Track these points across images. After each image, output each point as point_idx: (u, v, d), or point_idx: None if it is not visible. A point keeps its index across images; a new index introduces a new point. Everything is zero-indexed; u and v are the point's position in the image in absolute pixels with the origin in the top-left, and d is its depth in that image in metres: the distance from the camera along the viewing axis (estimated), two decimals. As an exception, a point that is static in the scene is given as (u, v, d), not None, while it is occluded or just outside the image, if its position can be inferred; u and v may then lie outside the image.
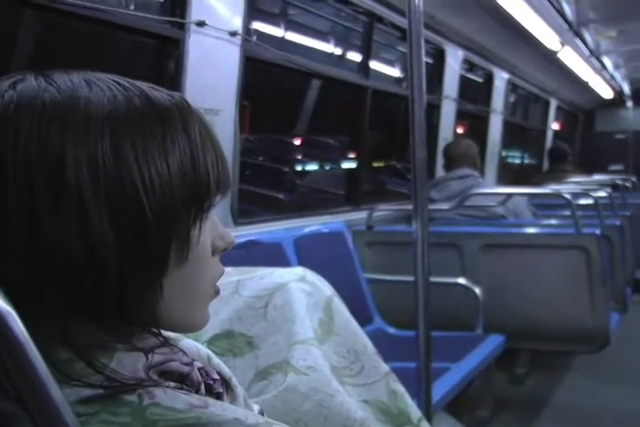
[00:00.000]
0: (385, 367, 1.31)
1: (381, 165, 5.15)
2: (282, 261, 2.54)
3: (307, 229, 3.00)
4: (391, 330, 3.07)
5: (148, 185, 0.59)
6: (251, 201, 3.53)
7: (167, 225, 0.61)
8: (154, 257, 0.61)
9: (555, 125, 8.17)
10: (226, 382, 0.72)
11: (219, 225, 0.69)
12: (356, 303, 2.76)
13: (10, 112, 0.59)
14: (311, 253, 2.79)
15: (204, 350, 0.73)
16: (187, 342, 0.70)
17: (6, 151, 0.57)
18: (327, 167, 5.11)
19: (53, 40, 2.24)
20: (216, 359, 0.74)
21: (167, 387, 0.60)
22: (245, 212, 2.90)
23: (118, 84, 0.63)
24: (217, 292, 0.70)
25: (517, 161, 8.18)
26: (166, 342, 0.64)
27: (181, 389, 0.61)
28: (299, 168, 4.98)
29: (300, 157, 4.89)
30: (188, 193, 0.62)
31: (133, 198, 0.59)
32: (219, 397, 0.68)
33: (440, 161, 4.49)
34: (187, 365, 0.65)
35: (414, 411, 1.28)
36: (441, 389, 2.31)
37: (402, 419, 1.24)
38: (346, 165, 4.26)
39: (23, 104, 0.59)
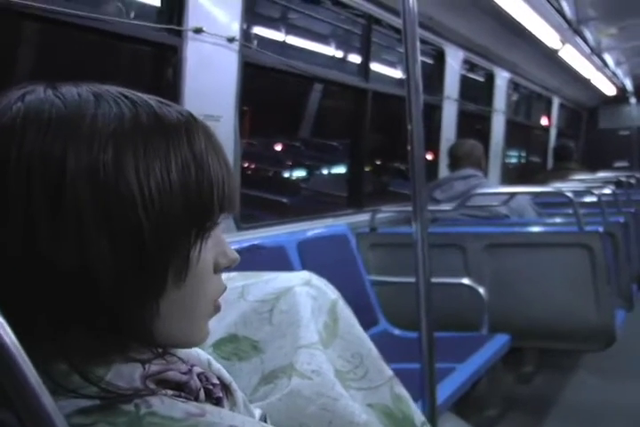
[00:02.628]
0: (389, 371, 1.31)
1: (384, 166, 5.15)
2: (285, 265, 2.55)
3: (310, 233, 3.00)
4: (397, 331, 3.07)
5: (147, 201, 0.59)
6: (252, 205, 3.53)
7: (166, 243, 0.60)
8: (151, 275, 0.60)
9: (544, 121, 8.11)
10: (225, 387, 0.72)
11: (223, 242, 0.67)
12: (361, 306, 2.77)
13: (16, 125, 0.59)
14: (315, 257, 2.79)
15: (205, 356, 0.73)
16: None
17: (9, 162, 0.58)
18: (329, 170, 5.11)
19: (52, 50, 2.26)
20: (216, 364, 0.74)
21: (164, 395, 0.60)
22: (248, 216, 2.90)
23: (127, 98, 0.63)
24: (217, 308, 0.69)
25: (521, 160, 8.17)
26: (164, 353, 0.64)
27: (179, 396, 0.61)
28: (302, 172, 4.99)
29: (302, 161, 4.90)
30: (189, 210, 0.61)
31: (131, 214, 0.58)
32: (218, 401, 0.68)
33: (444, 161, 4.49)
34: (185, 373, 0.65)
35: (418, 415, 1.28)
36: (447, 389, 2.31)
37: (406, 423, 1.24)
38: (347, 167, 4.26)
39: (29, 118, 0.59)
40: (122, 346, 0.61)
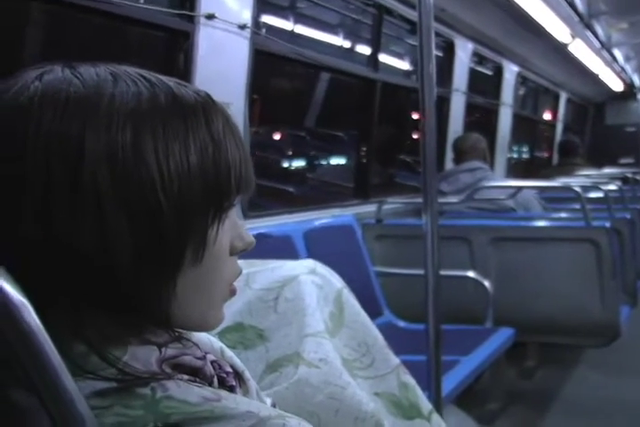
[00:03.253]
0: (395, 360, 1.31)
1: (390, 157, 5.14)
2: (291, 254, 2.55)
3: (316, 223, 3.00)
4: (401, 323, 3.07)
5: (166, 181, 0.58)
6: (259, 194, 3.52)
7: (184, 222, 0.60)
8: (169, 255, 0.60)
9: (547, 115, 8.08)
10: (238, 376, 0.72)
11: (239, 225, 0.68)
12: (366, 297, 2.76)
13: (34, 104, 0.58)
14: (321, 247, 2.79)
15: (218, 344, 0.73)
16: (200, 334, 0.70)
17: (27, 143, 0.57)
18: (336, 160, 5.10)
19: (63, 33, 2.25)
20: (229, 352, 0.74)
21: (180, 380, 0.59)
22: (255, 205, 2.90)
23: (145, 78, 0.62)
24: (233, 292, 0.69)
25: (527, 155, 8.15)
26: (180, 337, 0.64)
27: (194, 382, 0.61)
28: (308, 162, 4.98)
29: (309, 151, 4.89)
30: (207, 191, 0.61)
31: (151, 194, 0.58)
32: (232, 390, 0.68)
33: (450, 154, 4.48)
34: (200, 359, 0.65)
35: (425, 404, 1.28)
36: (451, 382, 2.31)
37: (413, 411, 1.24)
38: (355, 158, 4.25)
39: (47, 97, 0.59)
40: (139, 328, 0.61)
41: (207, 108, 0.63)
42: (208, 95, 0.65)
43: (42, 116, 0.58)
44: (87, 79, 0.60)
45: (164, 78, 0.64)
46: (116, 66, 0.64)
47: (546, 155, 8.38)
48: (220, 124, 0.63)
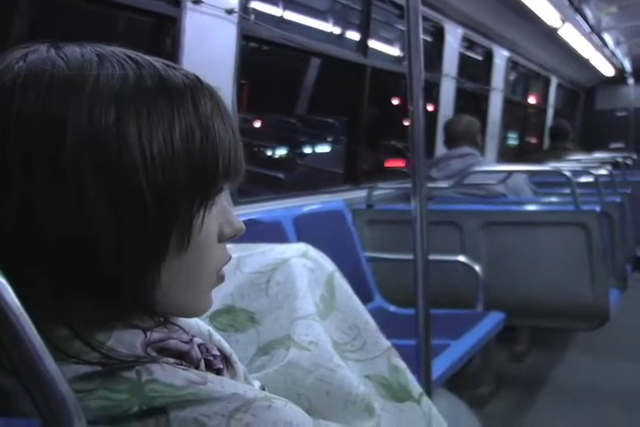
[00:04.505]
0: (386, 343, 1.31)
1: (379, 143, 5.13)
2: (281, 240, 2.54)
3: (306, 208, 3.00)
4: (392, 308, 3.08)
5: (148, 165, 0.57)
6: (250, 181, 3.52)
7: (168, 210, 0.59)
8: (152, 242, 0.59)
9: (532, 99, 8.04)
10: (226, 359, 0.72)
11: (228, 211, 0.66)
12: (357, 282, 2.76)
13: (17, 85, 0.58)
14: (311, 232, 2.79)
15: (205, 327, 0.73)
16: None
17: (9, 124, 0.56)
18: (326, 147, 5.10)
19: (47, 17, 2.23)
20: (217, 336, 0.73)
21: (166, 363, 0.59)
22: (245, 191, 2.89)
23: (132, 60, 0.61)
24: (221, 278, 0.68)
25: (517, 140, 8.15)
26: (165, 321, 0.64)
27: (180, 365, 0.61)
28: (298, 148, 4.97)
29: (299, 137, 4.88)
30: (192, 176, 0.60)
31: (132, 179, 0.57)
32: (219, 373, 0.68)
33: (441, 139, 4.47)
34: (186, 343, 0.64)
35: (415, 386, 1.28)
36: (441, 366, 2.32)
37: (403, 394, 1.24)
38: (345, 143, 4.24)
39: (31, 77, 0.58)
40: (123, 313, 0.61)
41: (195, 90, 0.62)
42: (197, 78, 0.64)
43: (25, 96, 0.57)
44: (72, 60, 0.59)
45: (152, 59, 0.63)
46: (103, 46, 0.62)
47: (535, 140, 8.38)
48: (208, 108, 0.62)
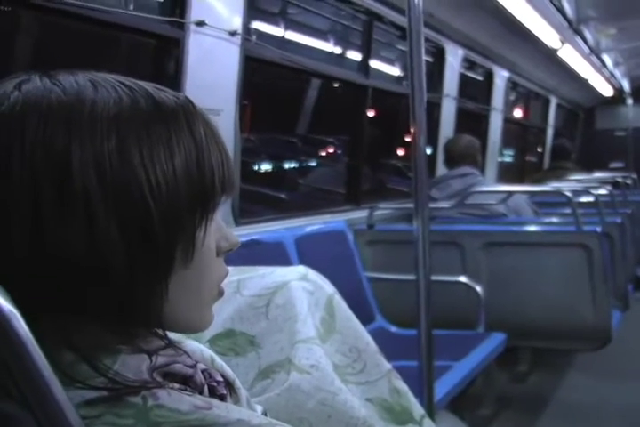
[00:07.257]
0: (387, 365, 1.31)
1: (380, 163, 5.15)
2: (283, 261, 2.54)
3: (308, 229, 3.00)
4: (393, 329, 3.07)
5: (154, 186, 0.59)
6: (251, 200, 3.52)
7: (173, 226, 0.61)
8: (160, 259, 0.60)
9: (517, 113, 7.83)
10: (229, 384, 0.72)
11: (223, 226, 0.69)
12: (358, 302, 2.76)
13: (16, 113, 0.58)
14: (312, 252, 2.79)
15: (208, 352, 0.73)
16: (190, 343, 0.70)
17: (12, 152, 0.57)
18: (327, 166, 5.11)
19: (53, 41, 2.24)
20: (219, 361, 0.73)
21: (171, 388, 0.59)
22: (247, 211, 2.90)
23: (124, 84, 0.63)
24: (221, 293, 0.69)
25: (516, 160, 8.17)
26: (170, 344, 0.64)
27: (185, 390, 0.61)
28: (299, 167, 4.98)
29: (300, 157, 4.89)
30: (193, 194, 0.62)
31: (139, 199, 0.59)
32: (222, 399, 0.68)
33: (441, 158, 4.48)
34: (190, 367, 0.64)
35: (417, 408, 1.28)
36: (443, 387, 2.31)
37: (405, 417, 1.24)
38: (346, 164, 4.25)
39: (29, 105, 0.59)
40: (130, 334, 0.61)
41: (188, 111, 0.64)
42: (187, 99, 0.66)
43: (25, 125, 0.58)
44: (67, 87, 0.60)
45: (143, 83, 0.65)
46: (94, 73, 0.64)
47: (536, 160, 8.39)
48: (201, 127, 0.64)
